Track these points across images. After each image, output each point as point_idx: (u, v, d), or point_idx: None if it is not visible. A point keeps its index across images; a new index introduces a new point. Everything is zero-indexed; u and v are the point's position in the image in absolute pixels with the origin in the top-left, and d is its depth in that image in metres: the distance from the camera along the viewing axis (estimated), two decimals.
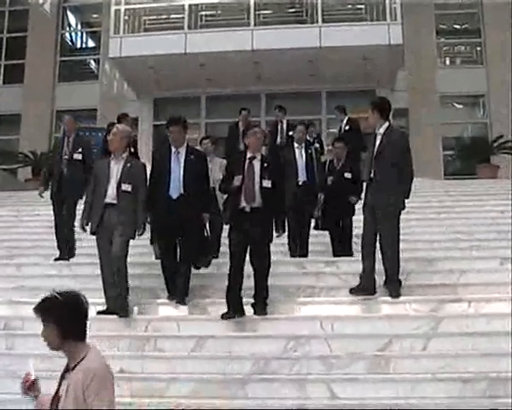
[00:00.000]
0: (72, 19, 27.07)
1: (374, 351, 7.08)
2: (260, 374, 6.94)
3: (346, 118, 15.24)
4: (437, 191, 15.54)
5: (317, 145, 13.90)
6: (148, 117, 22.74)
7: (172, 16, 21.39)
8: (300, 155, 10.95)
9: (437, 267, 9.42)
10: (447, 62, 24.42)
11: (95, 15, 26.48)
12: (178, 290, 8.47)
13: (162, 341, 7.67)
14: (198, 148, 10.33)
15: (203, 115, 23.03)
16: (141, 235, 8.60)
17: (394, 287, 8.17)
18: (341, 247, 10.55)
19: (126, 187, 8.34)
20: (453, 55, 24.33)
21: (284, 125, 14.97)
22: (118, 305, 8.15)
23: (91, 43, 26.93)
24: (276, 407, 6.45)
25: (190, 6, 20.92)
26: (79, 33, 27.47)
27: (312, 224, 10.94)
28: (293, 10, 21.41)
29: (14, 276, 10.05)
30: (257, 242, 8.02)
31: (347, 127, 15.01)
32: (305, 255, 10.43)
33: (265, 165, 8.30)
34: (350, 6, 21.10)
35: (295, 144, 11.17)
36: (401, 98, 22.13)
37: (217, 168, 10.43)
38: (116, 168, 8.47)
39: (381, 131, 8.49)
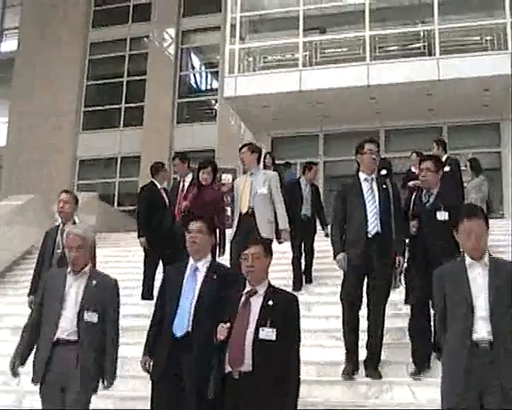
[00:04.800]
0: (190, 60, 27.47)
1: None
2: None
3: (445, 156, 12.60)
4: None
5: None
6: None
7: (286, 54, 21.23)
8: (371, 192, 7.33)
9: None
10: None
11: (212, 56, 26.82)
12: None
13: None
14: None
15: (321, 154, 22.64)
16: (109, 387, 5.75)
17: None
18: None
19: (90, 316, 5.65)
20: None
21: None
22: None
23: (209, 84, 27.25)
24: None
25: (305, 43, 20.69)
26: (197, 74, 27.82)
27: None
28: (409, 43, 20.80)
29: None
30: None
31: (447, 168, 11.75)
32: None
33: (270, 303, 5.21)
34: (468, 36, 20.24)
35: (362, 176, 7.48)
36: None
37: (260, 182, 8.90)
38: (75, 288, 5.75)
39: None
